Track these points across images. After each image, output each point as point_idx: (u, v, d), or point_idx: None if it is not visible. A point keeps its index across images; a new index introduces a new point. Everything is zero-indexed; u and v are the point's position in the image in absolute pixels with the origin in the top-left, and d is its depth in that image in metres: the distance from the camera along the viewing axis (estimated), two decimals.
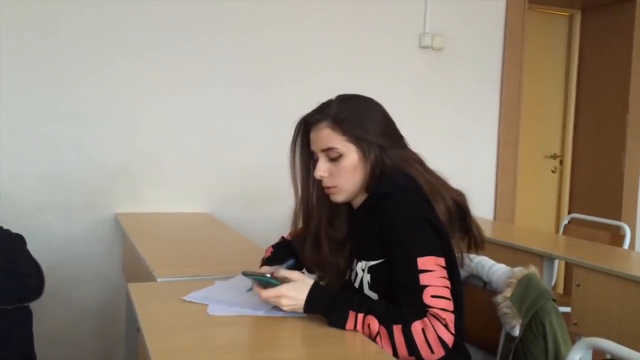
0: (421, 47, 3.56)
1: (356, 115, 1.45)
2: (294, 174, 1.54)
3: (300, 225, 1.58)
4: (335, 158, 1.44)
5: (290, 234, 1.68)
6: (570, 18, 4.52)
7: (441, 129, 3.64)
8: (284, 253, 1.63)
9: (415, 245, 1.33)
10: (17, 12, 2.72)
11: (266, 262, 1.64)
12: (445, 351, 1.28)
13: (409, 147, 1.51)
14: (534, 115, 4.33)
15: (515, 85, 3.82)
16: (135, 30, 2.92)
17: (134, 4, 2.91)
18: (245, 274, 1.39)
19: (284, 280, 1.35)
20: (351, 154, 1.44)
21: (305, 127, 1.51)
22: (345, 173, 1.44)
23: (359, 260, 1.46)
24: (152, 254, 2.03)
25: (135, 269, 2.21)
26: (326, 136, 1.44)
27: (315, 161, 1.49)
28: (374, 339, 1.28)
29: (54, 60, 2.79)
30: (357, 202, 1.50)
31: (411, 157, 1.48)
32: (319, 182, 1.49)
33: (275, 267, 1.39)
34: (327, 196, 1.51)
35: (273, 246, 1.71)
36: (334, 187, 1.46)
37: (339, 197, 1.48)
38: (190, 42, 3.02)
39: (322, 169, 1.46)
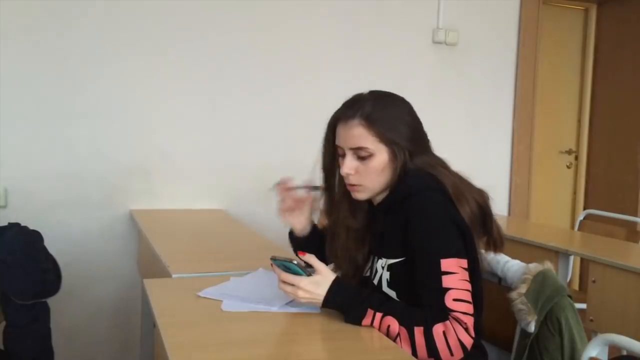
0: (434, 42, 3.54)
1: (390, 117, 1.42)
2: (325, 162, 1.55)
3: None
4: (364, 157, 1.42)
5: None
6: (586, 12, 4.47)
7: (455, 124, 3.62)
8: (318, 238, 1.65)
9: (439, 246, 1.33)
10: (30, 11, 2.74)
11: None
12: (464, 354, 1.28)
13: (433, 151, 1.50)
14: (548, 110, 4.29)
15: (529, 80, 3.79)
16: (149, 28, 2.93)
17: (147, 3, 2.92)
18: (273, 258, 1.38)
19: (310, 268, 1.35)
20: (381, 155, 1.42)
21: (334, 121, 1.49)
22: (373, 173, 1.42)
23: (379, 257, 1.45)
24: (167, 250, 2.04)
25: (151, 265, 2.23)
26: (358, 135, 1.41)
27: (340, 155, 1.48)
28: (393, 340, 1.28)
29: (70, 59, 2.81)
30: (378, 199, 1.49)
31: (437, 162, 1.47)
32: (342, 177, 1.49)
33: (309, 255, 1.38)
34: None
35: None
36: (359, 185, 1.45)
37: (362, 195, 1.47)
38: (204, 40, 3.03)
39: (349, 166, 1.43)
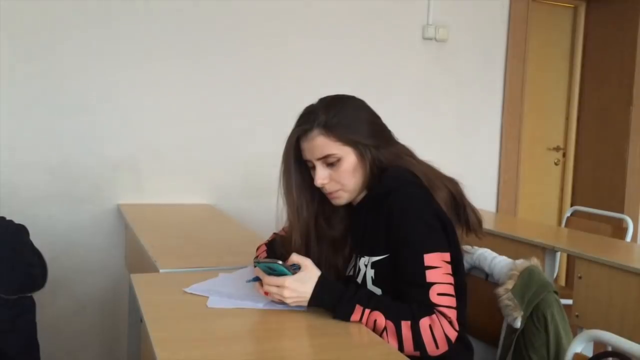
0: (424, 38, 3.55)
1: (346, 118, 1.43)
2: (289, 184, 1.50)
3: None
4: (333, 163, 1.43)
5: (283, 229, 1.67)
6: (575, 10, 4.49)
7: (444, 120, 3.62)
8: (279, 251, 1.61)
9: (422, 241, 1.34)
10: (22, 5, 2.71)
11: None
12: (449, 347, 1.30)
13: (397, 140, 1.51)
14: (537, 107, 4.31)
15: (518, 77, 3.80)
16: (140, 23, 2.91)
17: (136, 1, 2.91)
18: (257, 261, 1.38)
19: (294, 266, 1.34)
20: (349, 157, 1.43)
21: (295, 139, 1.47)
22: (346, 176, 1.44)
23: (362, 256, 1.45)
24: (154, 245, 2.03)
25: (138, 260, 2.22)
26: (321, 144, 1.42)
27: (308, 169, 1.48)
28: (379, 334, 1.28)
29: (58, 52, 2.79)
30: (358, 199, 1.50)
31: (403, 151, 1.49)
32: (316, 189, 1.48)
33: (292, 254, 1.37)
34: (324, 199, 1.50)
35: (266, 244, 1.69)
36: (337, 191, 1.46)
37: (342, 200, 1.48)
38: (193, 36, 3.01)
39: (322, 176, 1.44)
